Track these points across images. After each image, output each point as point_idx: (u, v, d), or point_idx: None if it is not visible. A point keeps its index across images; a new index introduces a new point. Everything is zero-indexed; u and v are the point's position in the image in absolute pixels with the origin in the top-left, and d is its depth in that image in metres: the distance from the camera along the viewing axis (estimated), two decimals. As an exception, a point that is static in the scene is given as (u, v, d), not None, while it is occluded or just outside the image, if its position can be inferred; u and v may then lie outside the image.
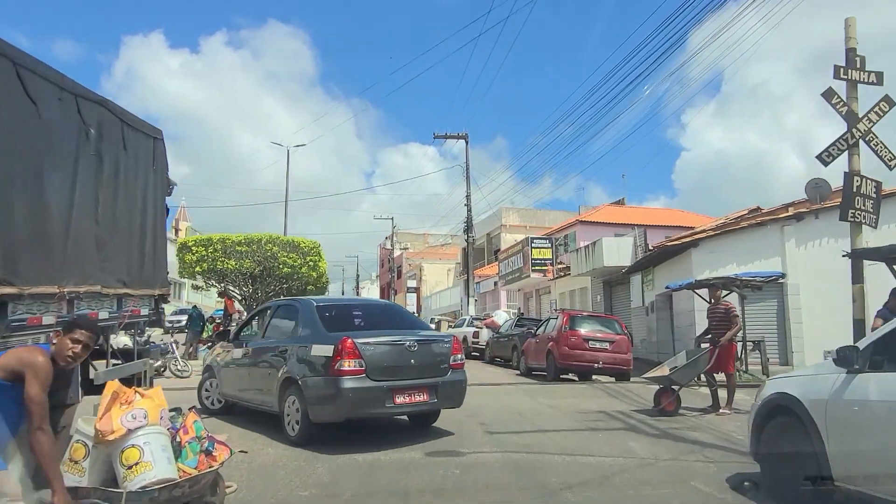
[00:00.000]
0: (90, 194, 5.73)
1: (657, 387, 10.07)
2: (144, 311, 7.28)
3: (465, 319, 26.47)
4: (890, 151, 10.81)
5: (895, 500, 4.21)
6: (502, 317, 26.47)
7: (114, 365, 6.68)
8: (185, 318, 26.66)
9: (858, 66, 10.78)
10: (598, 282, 27.65)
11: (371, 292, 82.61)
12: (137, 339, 8.09)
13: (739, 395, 10.23)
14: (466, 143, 32.19)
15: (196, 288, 23.60)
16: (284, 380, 7.56)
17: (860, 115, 10.84)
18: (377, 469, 6.41)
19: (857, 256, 10.03)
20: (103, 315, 6.08)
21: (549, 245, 32.28)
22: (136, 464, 4.08)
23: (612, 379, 15.59)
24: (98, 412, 4.21)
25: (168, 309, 39.21)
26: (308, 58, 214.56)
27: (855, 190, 10.56)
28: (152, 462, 4.12)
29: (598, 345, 14.91)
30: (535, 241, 32.23)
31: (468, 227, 31.83)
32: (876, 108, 10.83)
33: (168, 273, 8.16)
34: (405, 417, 8.77)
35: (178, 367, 17.29)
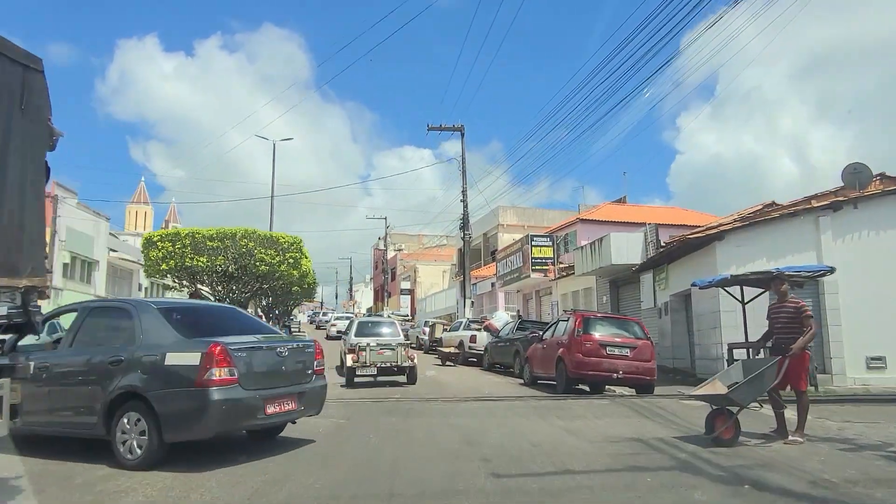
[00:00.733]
0: None
1: (686, 401, 7.78)
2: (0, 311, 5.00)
3: (462, 322, 24.17)
4: None
5: None
6: (502, 318, 24.17)
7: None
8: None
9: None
10: (605, 282, 25.38)
11: (365, 295, 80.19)
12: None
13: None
14: (462, 135, 29.98)
15: (167, 288, 21.09)
16: (118, 396, 6.37)
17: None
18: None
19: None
20: None
21: (551, 243, 30.04)
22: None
23: (632, 391, 13.32)
24: None
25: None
26: (302, 61, 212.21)
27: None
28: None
29: (616, 351, 12.62)
30: (535, 238, 29.98)
31: (464, 224, 29.57)
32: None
33: (47, 257, 5.83)
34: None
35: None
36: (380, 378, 15.41)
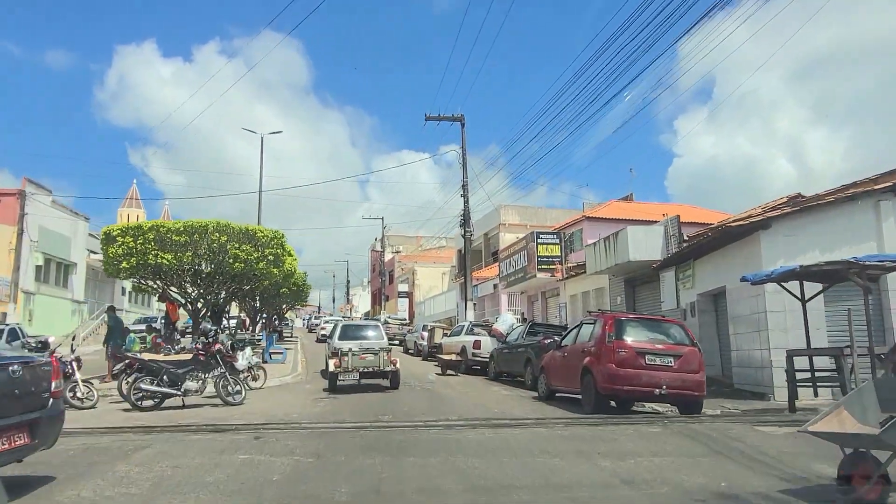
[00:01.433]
0: None
1: (763, 428, 5.20)
2: None
3: (464, 326, 21.57)
4: None
5: None
6: (507, 321, 21.61)
7: None
8: (153, 326, 21.72)
9: None
10: (619, 281, 22.83)
11: (363, 299, 77.54)
12: None
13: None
14: (462, 125, 27.44)
15: (140, 290, 18.53)
16: None
17: None
18: None
19: None
20: None
21: (558, 241, 27.52)
22: None
23: (672, 407, 10.77)
24: None
25: (131, 317, 34.05)
26: (301, 66, 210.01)
27: None
28: None
29: (658, 361, 10.04)
30: (540, 236, 27.47)
31: (465, 221, 27.01)
32: None
33: None
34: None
35: (79, 394, 12.45)
36: (363, 381, 15.01)
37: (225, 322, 23.01)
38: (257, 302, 28.64)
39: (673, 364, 10.06)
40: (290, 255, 20.62)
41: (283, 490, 5.45)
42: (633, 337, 10.31)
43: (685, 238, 19.63)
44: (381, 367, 14.56)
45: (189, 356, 12.39)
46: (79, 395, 12.39)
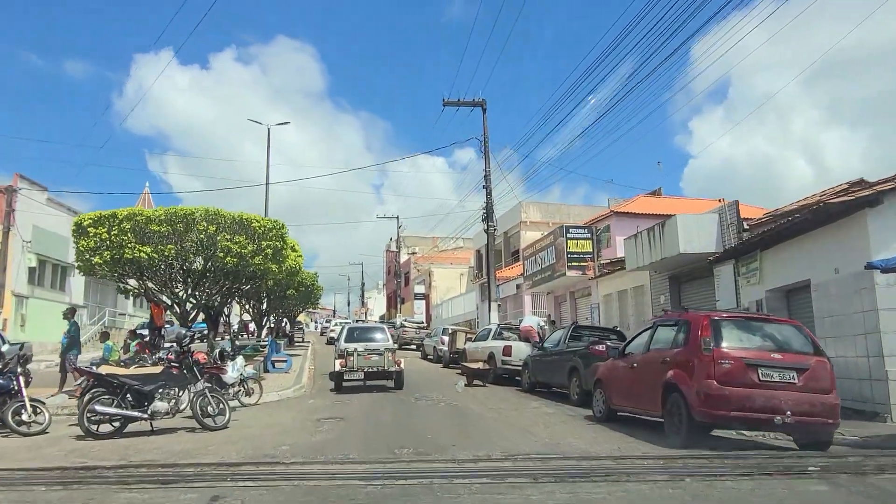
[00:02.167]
0: None
1: None
2: None
3: (492, 329, 18.75)
4: None
5: None
6: (529, 319, 18.85)
7: None
8: (137, 332, 19.13)
9: None
10: (663, 277, 19.97)
11: (378, 302, 74.89)
12: None
13: None
14: (483, 111, 24.72)
15: (123, 292, 15.92)
16: None
17: None
18: None
19: None
20: None
21: (589, 235, 24.63)
22: None
23: (786, 435, 7.94)
24: None
25: (137, 322, 31.47)
26: (316, 72, 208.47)
27: None
28: None
29: (776, 376, 7.19)
30: (570, 230, 24.60)
31: (488, 215, 24.26)
32: None
33: None
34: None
35: (25, 417, 9.89)
36: (369, 382, 15.25)
37: (222, 327, 20.78)
38: (264, 304, 26.07)
39: (796, 380, 7.21)
40: (294, 250, 18.02)
41: None
42: (738, 343, 7.47)
43: (745, 227, 16.81)
44: (386, 367, 14.72)
45: (159, 369, 9.74)
46: (24, 417, 9.80)
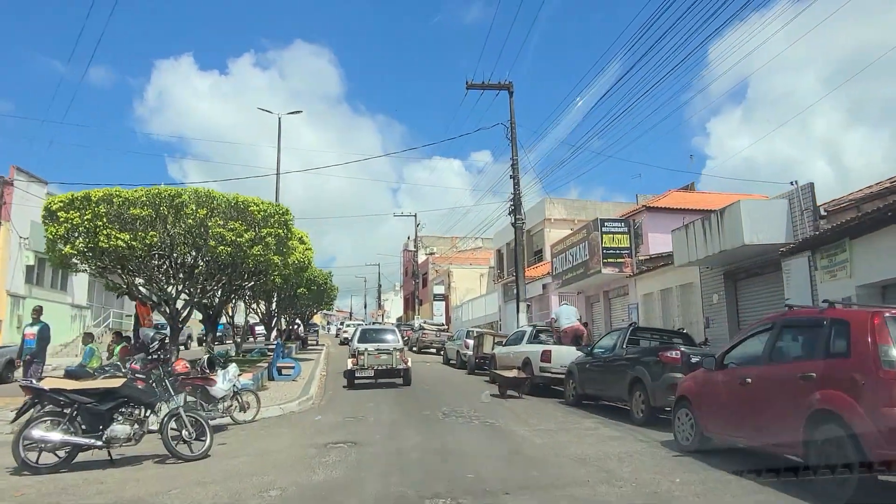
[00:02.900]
0: None
1: None
2: None
3: (526, 332, 16.25)
4: None
5: None
6: (569, 314, 16.34)
7: None
8: (122, 334, 16.89)
9: None
10: (716, 273, 17.41)
11: (394, 304, 72.58)
12: None
13: None
14: (510, 94, 22.32)
15: (114, 288, 13.65)
16: None
17: None
18: None
19: None
20: None
21: (626, 229, 22.10)
22: None
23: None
24: None
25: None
26: (333, 75, 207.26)
27: None
28: None
29: None
30: (606, 224, 22.09)
31: (515, 207, 21.82)
32: None
33: None
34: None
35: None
36: (379, 380, 15.83)
37: (222, 329, 18.62)
38: (273, 304, 23.83)
39: None
40: (302, 241, 15.71)
41: None
42: (931, 353, 5.00)
43: (822, 213, 14.26)
44: (394, 366, 15.55)
45: (118, 382, 7.43)
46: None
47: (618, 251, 21.88)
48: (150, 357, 7.64)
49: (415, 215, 46.37)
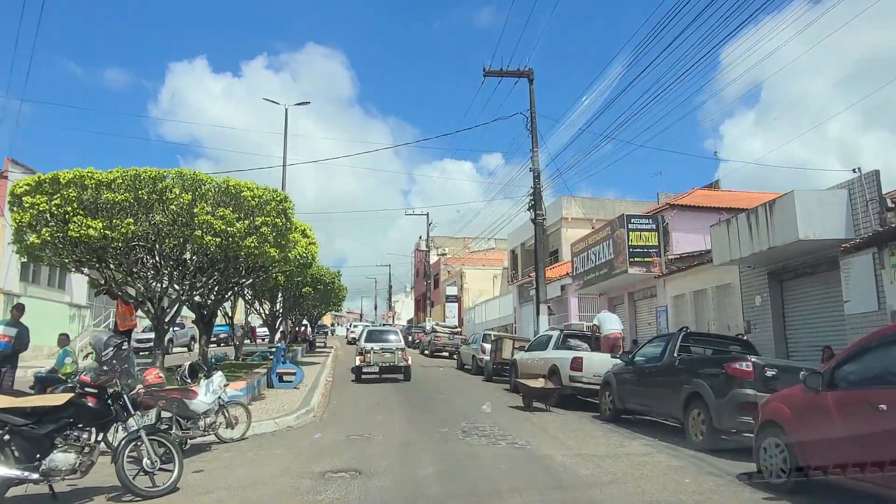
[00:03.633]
0: None
1: None
2: None
3: (552, 336, 14.53)
4: None
5: None
6: (614, 321, 14.66)
7: None
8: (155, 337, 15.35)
9: None
10: (759, 273, 15.67)
11: (405, 306, 70.95)
12: None
13: None
14: (530, 82, 20.65)
15: (95, 286, 12.20)
16: None
17: None
18: None
19: None
20: None
21: (654, 226, 20.38)
22: None
23: None
24: None
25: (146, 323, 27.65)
26: (345, 78, 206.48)
27: None
28: None
29: None
30: (632, 220, 20.40)
31: (535, 202, 20.15)
32: None
33: None
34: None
35: None
36: (384, 376, 17.43)
37: (227, 331, 17.06)
38: (278, 304, 22.28)
39: None
40: (306, 235, 14.12)
41: None
42: None
43: (889, 204, 12.53)
44: (396, 363, 17.16)
45: (63, 399, 5.86)
46: None
47: (645, 249, 20.18)
48: (103, 366, 6.07)
49: (427, 214, 44.74)
